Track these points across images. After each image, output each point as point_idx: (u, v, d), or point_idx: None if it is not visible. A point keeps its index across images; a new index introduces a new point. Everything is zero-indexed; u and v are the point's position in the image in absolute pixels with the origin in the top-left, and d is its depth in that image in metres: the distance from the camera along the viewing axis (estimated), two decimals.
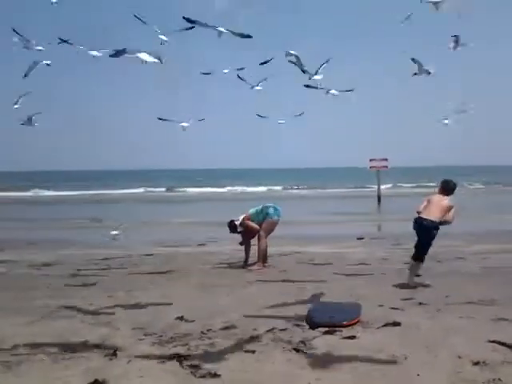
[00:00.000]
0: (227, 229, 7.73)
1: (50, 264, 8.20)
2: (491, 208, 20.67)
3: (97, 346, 3.68)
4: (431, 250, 9.12)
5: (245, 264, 7.65)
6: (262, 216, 7.55)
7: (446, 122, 7.98)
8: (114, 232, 9.81)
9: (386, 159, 24.34)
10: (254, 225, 7.52)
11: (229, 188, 40.46)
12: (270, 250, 7.80)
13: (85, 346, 3.68)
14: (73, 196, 34.04)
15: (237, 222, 7.55)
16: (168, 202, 29.41)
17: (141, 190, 39.37)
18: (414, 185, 39.15)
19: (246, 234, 7.65)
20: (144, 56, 5.64)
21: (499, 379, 2.93)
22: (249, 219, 7.53)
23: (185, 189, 40.24)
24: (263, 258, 7.51)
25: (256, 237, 7.55)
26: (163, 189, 40.44)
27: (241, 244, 7.81)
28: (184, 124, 7.92)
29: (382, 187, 26.48)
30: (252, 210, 7.65)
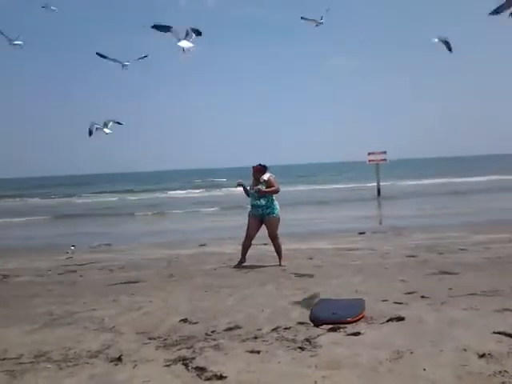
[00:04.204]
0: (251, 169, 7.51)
1: (51, 270, 8.19)
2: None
3: (101, 352, 3.66)
4: (431, 242, 9.18)
5: (239, 263, 7.48)
6: (270, 209, 7.40)
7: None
8: (72, 247, 9.84)
9: (385, 152, 24.32)
10: (276, 184, 7.35)
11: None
12: (270, 248, 7.80)
13: (89, 353, 3.67)
14: None
15: (265, 176, 7.36)
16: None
17: None
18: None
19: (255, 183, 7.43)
20: None
21: (505, 371, 2.92)
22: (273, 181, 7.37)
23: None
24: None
25: (270, 237, 7.49)
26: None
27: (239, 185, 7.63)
28: (126, 63, 8.30)
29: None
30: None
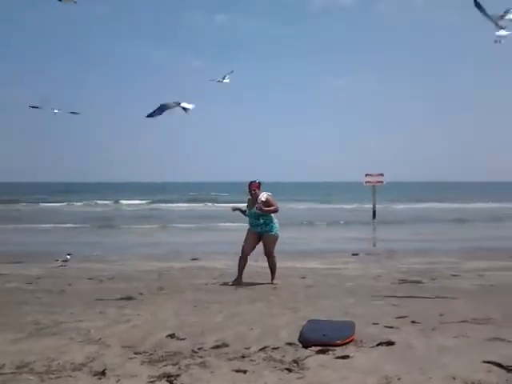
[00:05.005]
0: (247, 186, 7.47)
1: (41, 278, 8.11)
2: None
3: (85, 365, 3.60)
4: (424, 267, 9.14)
5: (236, 281, 7.40)
6: (269, 227, 7.37)
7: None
8: (68, 256, 9.81)
9: (382, 174, 24.37)
10: (275, 203, 7.32)
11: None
12: (262, 265, 7.75)
13: (72, 365, 3.60)
14: None
15: (263, 196, 7.32)
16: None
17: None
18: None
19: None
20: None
21: None
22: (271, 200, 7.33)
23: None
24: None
25: (266, 255, 7.46)
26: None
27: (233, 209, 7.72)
28: (56, 111, 9.50)
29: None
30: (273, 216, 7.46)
